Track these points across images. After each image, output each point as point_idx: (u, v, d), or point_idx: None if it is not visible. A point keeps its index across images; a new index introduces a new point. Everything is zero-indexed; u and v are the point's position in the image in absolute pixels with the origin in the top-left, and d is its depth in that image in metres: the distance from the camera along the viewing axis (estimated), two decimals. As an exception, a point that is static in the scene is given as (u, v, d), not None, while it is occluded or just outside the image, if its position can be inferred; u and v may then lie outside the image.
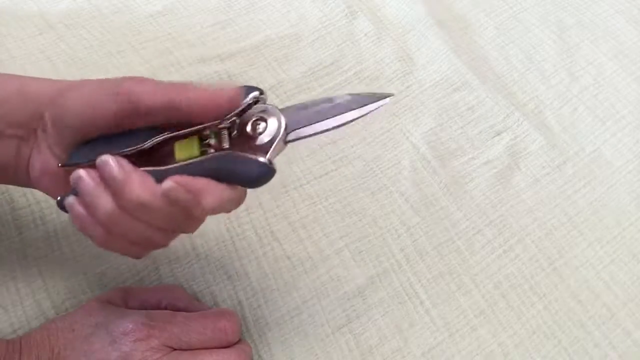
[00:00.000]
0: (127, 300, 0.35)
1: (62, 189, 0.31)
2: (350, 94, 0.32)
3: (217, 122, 0.30)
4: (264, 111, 0.31)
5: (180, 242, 0.40)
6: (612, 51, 0.53)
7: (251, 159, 0.29)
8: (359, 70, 0.50)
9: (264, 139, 0.30)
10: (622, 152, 0.48)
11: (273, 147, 0.30)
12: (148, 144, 0.30)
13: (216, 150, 0.30)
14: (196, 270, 0.40)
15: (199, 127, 0.30)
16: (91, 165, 0.29)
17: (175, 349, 0.32)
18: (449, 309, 0.40)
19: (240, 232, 0.41)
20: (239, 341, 0.35)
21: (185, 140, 0.30)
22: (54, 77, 0.46)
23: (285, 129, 0.30)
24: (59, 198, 0.30)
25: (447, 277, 0.41)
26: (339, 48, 0.52)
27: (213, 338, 0.33)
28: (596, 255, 0.43)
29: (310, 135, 0.31)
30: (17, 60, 0.46)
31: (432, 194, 0.44)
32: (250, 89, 0.31)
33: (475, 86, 0.50)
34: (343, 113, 0.31)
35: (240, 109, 0.30)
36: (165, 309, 0.35)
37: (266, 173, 0.29)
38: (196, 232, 0.41)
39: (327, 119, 0.31)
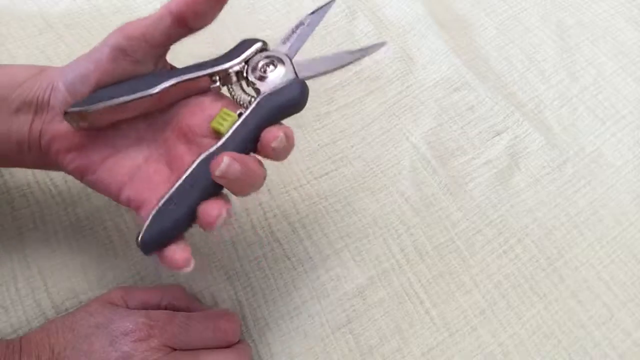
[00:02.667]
0: (127, 300, 0.35)
1: (68, 148, 0.32)
2: (310, 13, 0.35)
3: (225, 67, 0.32)
4: (268, 57, 0.33)
5: (180, 242, 0.40)
6: (612, 51, 0.53)
7: (287, 84, 0.32)
8: (359, 70, 0.50)
9: (276, 76, 0.32)
10: (622, 152, 0.48)
11: (292, 68, 0.32)
12: (157, 89, 0.31)
13: (246, 106, 0.31)
14: (196, 270, 0.39)
15: (207, 71, 0.32)
16: (91, 110, 0.30)
17: (175, 349, 0.32)
18: (449, 309, 0.40)
19: (240, 232, 0.41)
20: (239, 341, 0.35)
21: (217, 116, 0.31)
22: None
23: (288, 56, 0.33)
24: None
25: (447, 277, 0.41)
26: (339, 48, 0.52)
27: (213, 338, 0.33)
28: (596, 255, 0.43)
29: (316, 75, 0.33)
30: (17, 60, 0.46)
31: (432, 194, 0.44)
32: (253, 41, 0.33)
33: (475, 86, 0.50)
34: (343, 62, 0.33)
35: (244, 57, 0.32)
36: (166, 309, 0.35)
37: (306, 88, 0.32)
38: (196, 233, 0.41)
39: (332, 64, 0.33)
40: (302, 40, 0.34)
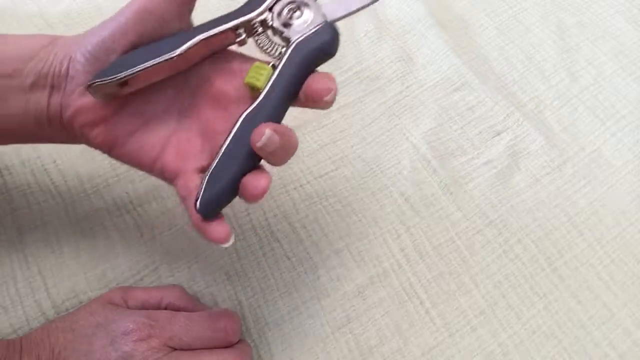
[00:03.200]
0: (127, 300, 0.35)
1: (95, 121, 0.31)
2: None
3: (249, 18, 0.31)
4: (292, 1, 0.31)
5: (180, 242, 0.40)
6: (612, 51, 0.53)
7: (318, 29, 0.30)
8: (359, 70, 0.50)
9: (303, 21, 0.31)
10: (622, 152, 0.48)
11: (322, 11, 0.31)
12: (181, 49, 0.29)
13: (278, 57, 0.30)
14: (196, 270, 0.40)
15: (230, 24, 0.30)
16: (114, 79, 0.29)
17: (175, 349, 0.32)
18: (449, 309, 0.40)
19: (240, 232, 0.41)
20: (239, 341, 0.35)
21: (250, 71, 0.30)
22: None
23: (320, 8, 0.31)
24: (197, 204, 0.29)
25: (447, 277, 0.41)
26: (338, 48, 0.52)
27: (213, 338, 0.33)
28: (596, 255, 0.43)
29: (343, 17, 0.32)
30: None
31: (432, 194, 0.44)
32: None
33: (475, 86, 0.50)
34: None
35: (267, 4, 0.31)
36: (166, 309, 0.35)
37: (337, 31, 0.30)
38: (196, 233, 0.41)
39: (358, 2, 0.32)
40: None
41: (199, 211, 0.29)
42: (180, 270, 0.39)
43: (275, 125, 0.28)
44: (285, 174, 0.44)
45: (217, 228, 0.29)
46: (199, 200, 0.29)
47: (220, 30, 0.30)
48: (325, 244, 0.41)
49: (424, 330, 0.39)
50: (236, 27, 0.31)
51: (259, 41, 0.31)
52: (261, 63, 0.31)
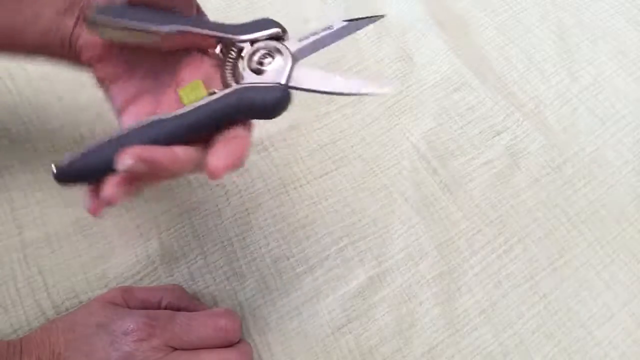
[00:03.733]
0: (128, 300, 0.35)
1: (93, 57, 0.32)
2: (345, 20, 0.33)
3: (230, 38, 0.31)
4: (275, 48, 0.31)
5: (180, 242, 0.40)
6: (612, 51, 0.53)
7: (269, 86, 0.30)
8: (359, 70, 0.50)
9: (270, 72, 0.30)
10: (622, 152, 0.48)
11: (286, 72, 0.30)
12: (166, 28, 0.30)
13: (223, 87, 0.30)
14: (196, 270, 0.40)
15: (215, 33, 0.31)
16: (106, 24, 0.30)
17: (176, 349, 0.32)
18: (449, 308, 0.40)
19: (240, 232, 0.41)
20: (239, 341, 0.35)
21: (188, 85, 0.31)
22: (55, 78, 0.46)
23: (292, 58, 0.31)
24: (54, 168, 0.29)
25: (447, 277, 0.41)
26: (338, 48, 0.52)
27: (214, 337, 0.33)
28: (596, 255, 0.43)
29: (308, 90, 0.31)
30: (17, 60, 0.46)
31: (432, 194, 0.44)
32: (274, 23, 0.32)
33: (475, 86, 0.50)
34: (340, 90, 0.31)
35: (253, 38, 0.31)
36: (166, 308, 0.35)
37: (286, 97, 0.30)
38: (196, 233, 0.41)
39: (329, 85, 0.31)
40: (319, 44, 0.32)
41: (54, 174, 0.28)
42: (180, 270, 0.39)
43: (145, 149, 0.26)
44: (285, 174, 0.44)
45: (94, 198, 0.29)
46: (57, 164, 0.28)
47: (205, 33, 0.31)
48: (325, 244, 0.41)
49: (424, 330, 0.39)
50: (219, 39, 0.31)
51: (225, 65, 0.31)
52: (200, 84, 0.31)
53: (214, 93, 0.30)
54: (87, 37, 0.32)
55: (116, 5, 0.31)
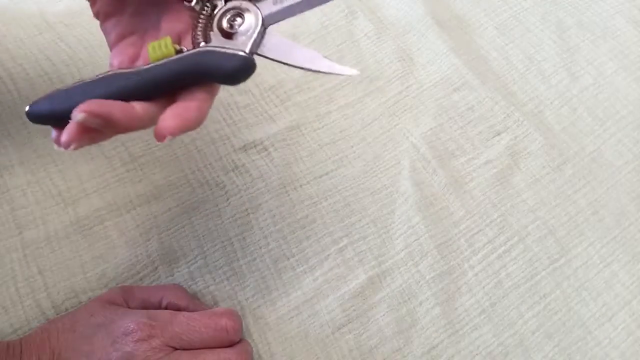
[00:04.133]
0: (128, 300, 0.35)
1: None
2: None
3: None
4: (240, 7, 0.31)
5: (180, 242, 0.40)
6: (612, 51, 0.53)
7: (231, 53, 0.29)
8: (359, 70, 0.50)
9: (239, 35, 0.30)
10: (622, 152, 0.48)
11: (252, 40, 0.30)
12: None
13: (194, 44, 0.30)
14: (196, 270, 0.40)
15: None
16: None
17: (176, 349, 0.32)
18: (449, 308, 0.40)
19: (239, 232, 0.41)
20: (240, 340, 0.35)
21: (157, 41, 0.30)
22: (54, 78, 0.46)
23: (263, 23, 0.30)
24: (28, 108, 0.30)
25: (448, 277, 0.41)
26: (338, 48, 0.52)
27: (215, 337, 0.33)
28: (596, 255, 0.43)
29: (274, 60, 0.31)
30: (17, 60, 0.46)
31: (432, 194, 0.44)
32: None
33: (475, 86, 0.50)
34: (305, 66, 0.31)
35: None
36: (166, 308, 0.35)
37: (247, 66, 0.29)
38: (196, 233, 0.41)
39: (296, 59, 0.31)
40: (293, 10, 0.31)
41: (28, 113, 0.29)
42: (180, 270, 0.39)
43: (100, 102, 0.27)
44: (285, 174, 0.44)
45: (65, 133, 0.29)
46: (31, 105, 0.29)
47: None
48: (325, 244, 0.41)
49: (424, 330, 0.39)
50: None
51: (198, 19, 0.31)
52: (169, 43, 0.30)
53: (181, 52, 0.30)
54: None
55: None
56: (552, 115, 0.49)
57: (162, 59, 0.30)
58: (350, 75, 0.31)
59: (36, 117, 0.29)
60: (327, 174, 0.45)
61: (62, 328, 0.33)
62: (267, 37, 0.31)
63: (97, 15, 0.33)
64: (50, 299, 0.37)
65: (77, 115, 0.26)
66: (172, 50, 0.30)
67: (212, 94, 0.30)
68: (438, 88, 0.50)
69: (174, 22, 0.32)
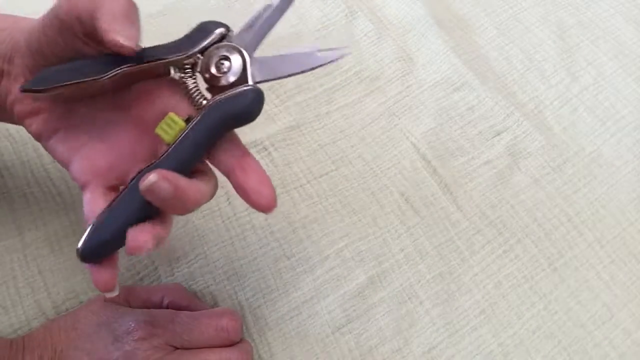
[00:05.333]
0: (129, 299, 0.35)
1: (28, 113, 0.31)
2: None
3: (179, 58, 0.29)
4: (227, 49, 0.30)
5: (180, 242, 0.40)
6: (612, 51, 0.53)
7: (240, 92, 0.29)
8: (359, 70, 0.50)
9: (230, 77, 0.30)
10: (622, 152, 0.48)
11: (249, 72, 0.30)
12: (107, 75, 0.28)
13: (199, 107, 0.29)
14: (196, 270, 0.40)
15: (161, 61, 0.29)
16: (42, 90, 0.28)
17: (177, 348, 0.32)
18: (449, 309, 0.40)
19: (240, 232, 0.41)
20: (240, 340, 0.35)
21: (162, 122, 0.29)
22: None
23: (248, 54, 0.30)
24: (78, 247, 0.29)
25: (447, 277, 0.41)
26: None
27: (215, 337, 0.33)
28: (596, 255, 0.43)
29: (274, 79, 0.31)
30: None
31: (432, 194, 0.44)
32: (215, 25, 0.30)
33: (475, 86, 0.50)
34: (303, 67, 0.31)
35: (201, 48, 0.30)
36: (167, 307, 0.35)
37: (260, 96, 0.30)
38: (196, 233, 0.41)
39: (291, 67, 0.31)
40: (266, 28, 0.31)
41: (80, 255, 0.28)
42: (180, 270, 0.39)
43: (166, 172, 0.26)
44: (285, 174, 0.44)
45: (102, 274, 0.29)
46: (81, 245, 0.28)
47: (149, 63, 0.29)
48: (325, 244, 0.41)
49: (424, 330, 0.39)
50: (168, 63, 0.30)
51: (185, 83, 0.30)
52: (174, 117, 0.29)
53: (191, 119, 0.29)
54: (18, 92, 0.30)
55: (46, 71, 0.29)
56: (552, 115, 0.49)
57: (178, 135, 0.29)
58: (343, 56, 0.31)
59: (89, 255, 0.29)
60: (327, 174, 0.45)
61: (63, 326, 0.33)
62: (255, 65, 0.30)
63: (38, 136, 0.31)
64: (50, 299, 0.37)
65: (150, 178, 0.25)
66: (183, 123, 0.29)
67: (241, 143, 0.30)
68: (438, 88, 0.50)
69: (150, 104, 0.31)
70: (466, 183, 0.45)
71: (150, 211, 0.28)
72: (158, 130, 0.29)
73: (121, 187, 0.30)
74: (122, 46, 0.27)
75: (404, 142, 0.47)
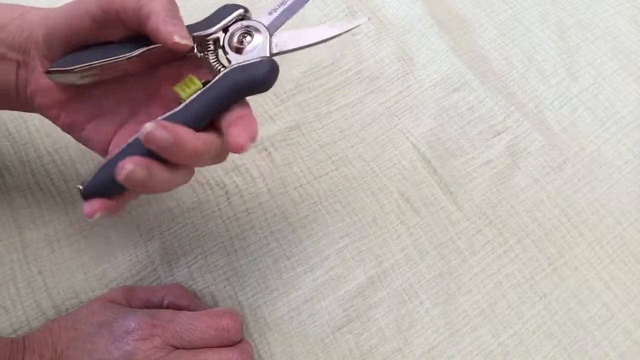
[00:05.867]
0: (129, 299, 0.35)
1: (53, 104, 0.32)
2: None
3: (202, 34, 0.31)
4: (248, 26, 0.32)
5: (180, 242, 0.40)
6: (612, 51, 0.53)
7: (257, 61, 0.31)
8: (359, 70, 0.50)
9: (252, 48, 0.32)
10: (622, 152, 0.48)
11: (267, 45, 0.32)
12: (134, 53, 0.30)
13: (214, 75, 0.31)
14: (196, 270, 0.40)
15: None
16: (71, 70, 0.30)
17: (177, 348, 0.32)
18: (449, 309, 0.40)
19: (240, 232, 0.41)
20: (240, 340, 0.35)
21: (181, 81, 0.31)
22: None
23: (268, 32, 0.32)
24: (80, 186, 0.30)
25: (447, 277, 0.41)
26: (339, 48, 0.52)
27: (216, 337, 0.33)
28: (596, 255, 0.43)
29: (293, 50, 0.32)
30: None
31: (432, 194, 0.44)
32: (234, 7, 0.32)
33: (475, 86, 0.50)
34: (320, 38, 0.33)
35: (223, 25, 0.32)
36: (168, 307, 0.35)
37: (275, 67, 0.31)
38: (196, 233, 0.41)
39: (309, 38, 0.33)
40: (288, 13, 0.33)
41: (82, 193, 0.30)
42: (180, 270, 0.39)
43: (164, 122, 0.27)
44: (285, 174, 0.44)
45: (87, 204, 0.29)
46: (83, 185, 0.29)
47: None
48: (325, 244, 0.41)
49: (424, 330, 0.39)
50: (192, 39, 0.31)
51: (207, 57, 0.32)
52: (194, 78, 0.31)
53: (208, 82, 0.31)
54: (39, 83, 0.31)
55: (73, 55, 0.30)
56: (552, 115, 0.49)
57: (194, 94, 0.30)
58: (362, 24, 0.33)
59: (90, 194, 0.29)
60: (327, 174, 0.45)
61: (64, 326, 0.33)
62: (274, 39, 0.32)
63: (69, 128, 0.32)
64: (50, 299, 0.37)
65: (147, 126, 0.26)
66: (200, 84, 0.31)
67: (249, 107, 0.31)
68: (438, 88, 0.50)
69: (178, 80, 0.32)
70: (466, 183, 0.45)
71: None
72: (176, 88, 0.31)
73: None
74: (179, 45, 0.29)
75: (404, 142, 0.47)
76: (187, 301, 0.36)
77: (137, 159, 0.27)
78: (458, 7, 0.56)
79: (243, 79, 0.30)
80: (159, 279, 0.39)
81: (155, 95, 0.33)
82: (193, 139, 0.28)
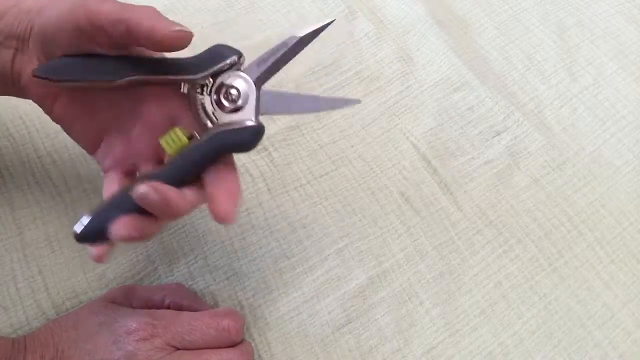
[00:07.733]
0: (130, 299, 0.35)
1: (47, 95, 0.32)
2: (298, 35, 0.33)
3: (190, 78, 0.31)
4: (230, 80, 0.32)
5: (180, 242, 0.40)
6: (612, 51, 0.53)
7: (243, 127, 0.31)
8: (359, 70, 0.50)
9: (236, 104, 0.32)
10: (622, 152, 0.48)
11: (254, 107, 0.32)
12: (120, 81, 0.31)
13: (199, 132, 0.32)
14: (196, 270, 0.40)
15: (173, 77, 0.31)
16: (55, 81, 0.30)
17: (178, 349, 0.32)
18: (449, 309, 0.40)
19: (240, 232, 0.41)
20: (241, 340, 0.35)
21: (167, 134, 0.32)
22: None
23: (256, 87, 0.32)
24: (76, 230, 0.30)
25: (447, 277, 0.41)
26: (338, 48, 0.52)
27: (217, 337, 0.33)
28: (596, 255, 0.43)
29: (280, 114, 0.33)
30: None
31: (432, 194, 0.44)
32: (228, 51, 0.32)
33: (475, 86, 0.50)
34: (309, 109, 0.34)
35: (212, 71, 0.31)
36: (169, 307, 0.35)
37: (260, 133, 0.32)
38: (196, 233, 0.41)
39: (297, 107, 0.34)
40: (279, 65, 0.33)
41: (75, 238, 0.30)
42: (180, 270, 0.39)
43: (156, 184, 0.28)
44: (285, 174, 0.44)
45: (96, 249, 0.30)
46: (77, 230, 0.30)
47: (161, 79, 0.32)
48: (325, 244, 0.41)
49: (424, 330, 0.39)
50: (179, 81, 0.32)
51: (195, 102, 0.32)
52: (179, 132, 0.31)
53: (193, 137, 0.32)
54: (31, 75, 0.31)
55: (60, 61, 0.30)
56: (552, 115, 0.49)
57: (179, 150, 0.31)
58: (352, 105, 0.34)
59: (84, 239, 0.30)
60: (327, 174, 0.45)
61: (65, 326, 0.33)
62: (262, 97, 0.32)
63: (60, 121, 0.33)
64: (50, 299, 0.37)
65: (140, 188, 0.27)
66: (186, 140, 0.31)
67: (235, 167, 0.32)
68: (438, 88, 0.50)
69: (160, 105, 0.33)
70: (466, 183, 0.45)
71: (143, 210, 0.29)
72: (162, 142, 0.32)
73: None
74: (180, 32, 0.29)
75: (404, 142, 0.47)
76: (189, 301, 0.36)
77: (130, 222, 0.28)
78: (458, 7, 0.56)
79: (229, 143, 0.31)
80: (159, 279, 0.39)
81: (138, 112, 0.33)
82: (181, 200, 0.29)
